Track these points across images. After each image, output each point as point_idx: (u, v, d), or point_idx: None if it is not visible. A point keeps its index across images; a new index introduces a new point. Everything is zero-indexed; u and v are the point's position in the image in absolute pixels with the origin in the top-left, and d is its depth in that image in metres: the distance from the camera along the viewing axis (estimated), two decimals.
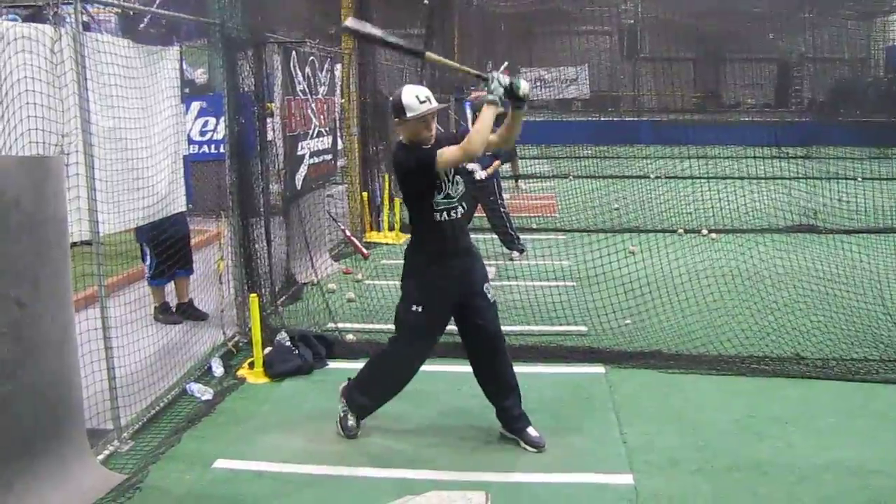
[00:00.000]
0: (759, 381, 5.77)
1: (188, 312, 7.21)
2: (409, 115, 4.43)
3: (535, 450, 4.74)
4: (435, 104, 4.51)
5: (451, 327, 4.97)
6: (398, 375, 4.86)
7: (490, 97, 4.32)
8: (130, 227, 5.44)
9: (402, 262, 4.83)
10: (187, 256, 7.18)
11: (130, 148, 5.14)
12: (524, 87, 4.35)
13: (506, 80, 4.33)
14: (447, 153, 4.41)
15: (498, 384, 4.87)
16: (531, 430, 4.81)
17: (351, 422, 4.94)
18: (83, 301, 5.55)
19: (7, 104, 4.07)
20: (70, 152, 4.46)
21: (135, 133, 5.20)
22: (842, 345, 6.23)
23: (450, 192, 4.57)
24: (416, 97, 4.44)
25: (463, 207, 4.66)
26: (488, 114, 4.34)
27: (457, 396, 5.54)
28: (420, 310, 4.64)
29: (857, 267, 7.81)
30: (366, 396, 4.91)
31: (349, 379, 5.02)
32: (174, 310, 7.23)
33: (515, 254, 9.77)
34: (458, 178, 4.60)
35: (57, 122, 4.36)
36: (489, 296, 4.78)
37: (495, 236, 9.83)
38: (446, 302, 4.69)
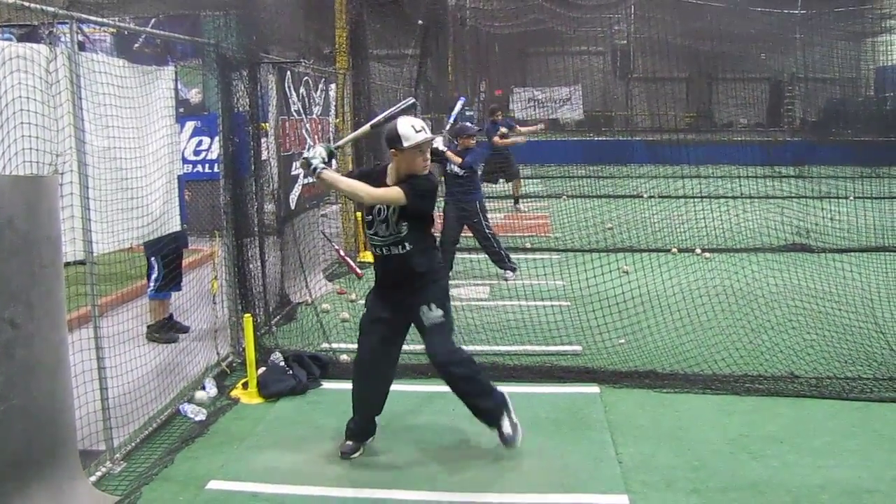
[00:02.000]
0: (753, 399, 5.77)
1: (170, 325, 7.33)
2: (405, 144, 4.57)
3: (503, 445, 4.81)
4: (429, 134, 4.66)
5: None
6: (355, 374, 5.02)
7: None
8: (124, 247, 5.43)
9: None
10: (181, 273, 7.31)
11: (125, 167, 5.14)
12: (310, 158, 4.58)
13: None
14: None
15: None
16: (504, 424, 4.85)
17: (349, 442, 4.98)
18: (76, 321, 5.52)
19: (2, 123, 4.06)
20: (64, 172, 4.46)
21: (129, 153, 5.20)
22: (835, 363, 6.24)
23: (378, 230, 4.72)
24: (411, 127, 4.61)
25: (399, 249, 4.72)
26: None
27: (450, 417, 5.52)
28: (365, 312, 4.99)
29: (850, 285, 7.85)
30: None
31: None
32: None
33: (509, 273, 9.75)
34: (394, 222, 4.68)
35: (51, 142, 4.35)
36: (424, 319, 4.78)
37: (485, 256, 9.84)
38: (376, 315, 4.88)
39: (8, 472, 3.82)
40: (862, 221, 11.29)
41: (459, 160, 9.28)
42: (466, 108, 18.84)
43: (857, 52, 24.60)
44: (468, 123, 10.39)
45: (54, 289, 4.09)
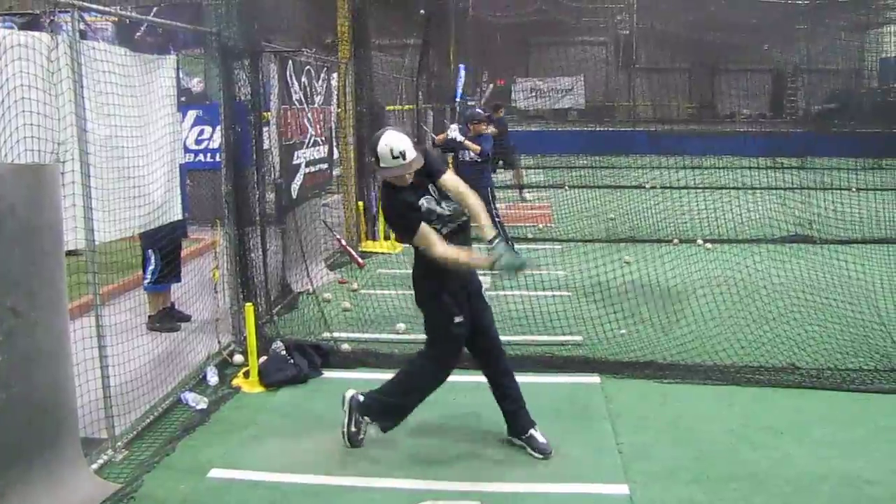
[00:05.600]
0: (754, 390, 5.77)
1: (171, 314, 7.32)
2: (382, 165, 4.53)
3: (541, 456, 4.73)
4: (408, 159, 4.47)
5: None
6: (430, 384, 4.91)
7: (495, 270, 4.53)
8: (125, 236, 5.43)
9: (399, 273, 4.90)
10: (180, 265, 7.32)
11: (126, 156, 5.13)
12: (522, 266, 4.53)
13: (508, 260, 4.46)
14: (424, 240, 4.51)
15: (500, 386, 4.91)
16: (538, 436, 4.81)
17: (373, 430, 4.94)
18: (77, 309, 5.54)
19: (3, 112, 4.06)
20: (66, 160, 4.45)
21: (131, 141, 5.19)
22: (836, 355, 6.23)
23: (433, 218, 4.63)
24: (389, 151, 4.45)
25: (454, 224, 4.69)
26: (475, 262, 4.63)
27: (452, 406, 5.52)
28: (461, 320, 4.70)
29: (852, 277, 7.82)
30: (400, 402, 4.92)
31: (361, 393, 4.96)
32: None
33: None
34: (442, 203, 4.65)
35: (53, 130, 4.35)
36: (487, 299, 4.90)
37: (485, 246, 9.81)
38: (466, 322, 4.76)
39: (10, 459, 3.83)
40: (864, 213, 11.27)
41: (477, 148, 9.20)
42: (471, 100, 18.84)
43: (861, 43, 24.52)
44: (478, 109, 10.30)
45: (56, 277, 4.09)
